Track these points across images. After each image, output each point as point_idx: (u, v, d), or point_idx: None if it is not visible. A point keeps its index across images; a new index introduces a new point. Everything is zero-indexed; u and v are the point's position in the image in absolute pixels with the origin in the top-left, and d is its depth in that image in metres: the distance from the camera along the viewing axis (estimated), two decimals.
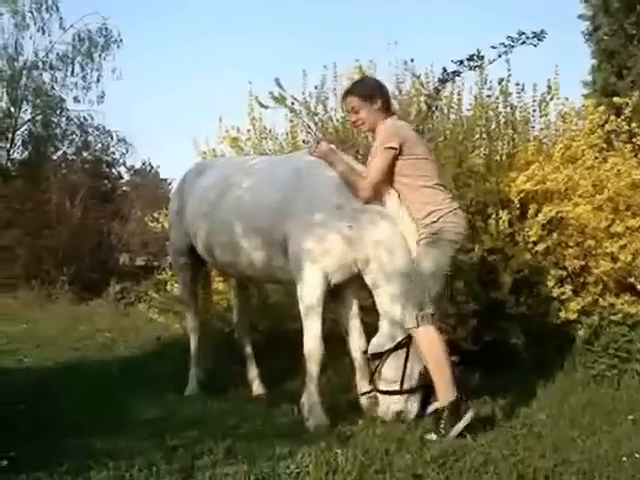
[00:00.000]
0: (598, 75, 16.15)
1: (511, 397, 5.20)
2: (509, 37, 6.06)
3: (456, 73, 6.28)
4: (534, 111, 6.63)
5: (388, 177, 4.51)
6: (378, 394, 4.56)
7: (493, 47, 6.08)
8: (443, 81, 6.33)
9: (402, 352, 4.42)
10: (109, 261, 16.26)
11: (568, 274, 6.09)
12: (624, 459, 3.92)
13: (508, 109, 6.63)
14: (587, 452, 4.04)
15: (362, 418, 4.62)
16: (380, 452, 3.87)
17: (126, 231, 16.58)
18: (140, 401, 5.04)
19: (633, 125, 6.65)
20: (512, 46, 6.09)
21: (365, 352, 4.68)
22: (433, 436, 4.20)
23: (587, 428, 4.56)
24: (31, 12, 18.23)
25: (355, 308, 4.90)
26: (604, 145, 6.61)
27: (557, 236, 6.02)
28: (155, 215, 8.61)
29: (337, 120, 6.96)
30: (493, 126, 6.60)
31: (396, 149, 4.40)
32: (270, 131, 7.35)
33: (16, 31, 18.14)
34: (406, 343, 4.43)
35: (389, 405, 4.49)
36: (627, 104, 6.71)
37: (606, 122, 6.59)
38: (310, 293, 4.57)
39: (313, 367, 4.57)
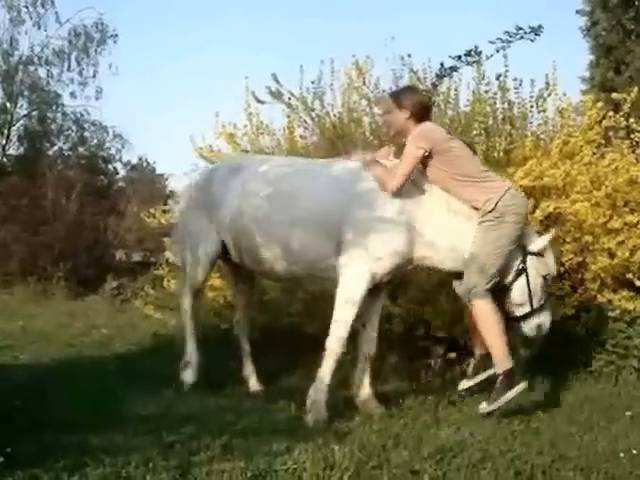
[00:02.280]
0: (596, 71, 16.17)
1: None
2: (506, 32, 6.08)
3: (453, 68, 6.29)
4: (532, 107, 6.61)
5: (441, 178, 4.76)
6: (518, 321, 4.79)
7: (491, 42, 6.09)
8: (440, 76, 6.33)
9: (522, 276, 4.71)
10: (105, 257, 16.23)
11: (566, 270, 6.07)
12: (622, 455, 3.92)
13: (506, 105, 6.61)
14: (585, 448, 4.04)
15: (359, 414, 4.63)
16: (377, 448, 3.87)
17: (122, 227, 16.57)
18: (136, 397, 5.02)
19: (631, 121, 6.63)
20: (510, 41, 6.10)
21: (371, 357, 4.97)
22: (485, 405, 4.59)
23: (585, 424, 4.57)
24: (27, 7, 18.21)
25: (379, 307, 5.07)
26: (602, 141, 6.59)
27: (555, 232, 6.00)
28: (152, 211, 8.58)
29: (334, 115, 6.95)
30: (491, 122, 6.58)
31: (425, 150, 4.69)
32: (267, 127, 7.33)
33: (11, 26, 18.12)
34: (523, 267, 4.70)
35: (529, 324, 4.77)
36: (625, 100, 6.69)
37: (604, 118, 6.57)
38: (353, 297, 4.71)
39: (330, 364, 4.65)
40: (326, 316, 6.20)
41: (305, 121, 7.00)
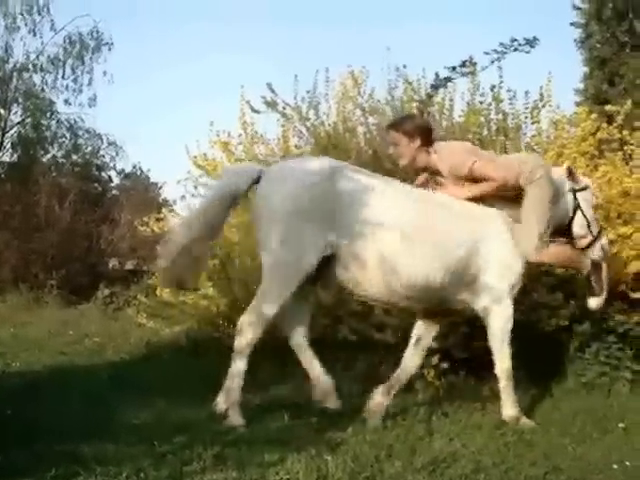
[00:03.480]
0: (590, 83, 16.27)
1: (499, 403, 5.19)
2: (501, 44, 6.09)
3: (448, 79, 6.30)
4: (526, 118, 6.65)
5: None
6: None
7: (486, 53, 6.11)
8: (435, 87, 6.34)
9: (578, 211, 5.20)
10: (98, 265, 16.20)
11: (559, 281, 6.08)
12: (615, 467, 3.93)
13: (500, 116, 6.65)
14: (578, 460, 4.04)
15: (352, 424, 4.61)
16: (370, 459, 3.84)
17: (116, 235, 16.54)
18: (129, 406, 4.99)
19: (625, 133, 6.67)
20: (505, 53, 6.11)
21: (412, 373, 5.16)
22: None
23: (578, 436, 4.57)
24: (22, 14, 18.14)
25: (437, 328, 5.17)
26: (595, 153, 6.62)
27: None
28: (145, 219, 8.58)
29: (329, 125, 6.96)
30: (485, 132, 6.61)
31: (476, 160, 4.89)
32: (261, 136, 7.34)
33: (6, 33, 18.05)
34: (577, 204, 5.17)
35: (595, 250, 5.19)
36: (619, 112, 6.72)
37: (598, 130, 6.60)
38: (508, 324, 4.89)
39: (510, 393, 4.90)
40: (319, 327, 6.23)
41: (300, 130, 7.02)
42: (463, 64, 6.21)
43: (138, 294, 9.61)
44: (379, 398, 4.96)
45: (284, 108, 6.82)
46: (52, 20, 18.48)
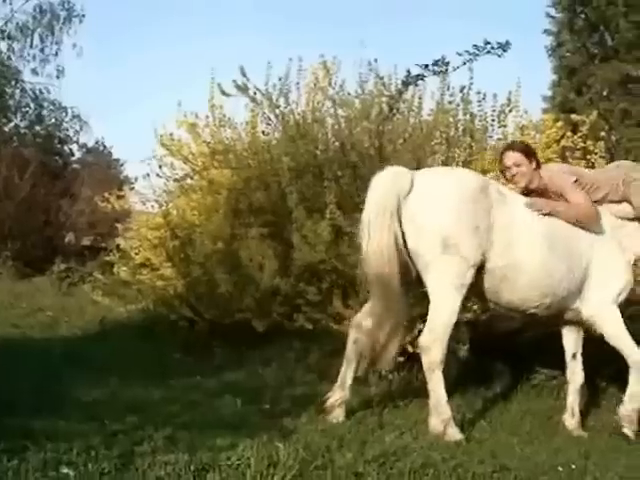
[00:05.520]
0: (558, 91, 16.42)
1: (453, 402, 5.24)
2: (474, 45, 6.08)
3: (419, 77, 6.29)
4: (493, 121, 6.70)
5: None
6: None
7: (458, 54, 6.11)
8: (406, 84, 6.34)
9: None
10: (55, 239, 16.00)
11: None
12: (560, 469, 4.00)
13: (468, 117, 6.69)
14: (525, 460, 4.11)
15: (305, 413, 4.62)
16: (321, 449, 3.86)
17: (74, 210, 16.35)
18: (81, 383, 4.96)
19: (588, 143, 6.76)
20: (477, 54, 6.12)
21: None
22: None
23: (526, 436, 4.65)
24: None
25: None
26: (559, 160, 6.70)
27: None
28: (106, 195, 8.51)
29: (298, 114, 6.94)
30: (452, 132, 6.64)
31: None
32: (229, 119, 7.31)
33: None
34: None
35: None
36: (584, 122, 6.82)
37: (562, 137, 6.68)
38: (623, 325, 5.00)
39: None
40: (277, 314, 6.24)
41: (269, 117, 6.99)
42: (435, 63, 6.21)
43: (94, 271, 9.54)
44: (570, 423, 5.15)
45: (255, 93, 6.79)
46: None
